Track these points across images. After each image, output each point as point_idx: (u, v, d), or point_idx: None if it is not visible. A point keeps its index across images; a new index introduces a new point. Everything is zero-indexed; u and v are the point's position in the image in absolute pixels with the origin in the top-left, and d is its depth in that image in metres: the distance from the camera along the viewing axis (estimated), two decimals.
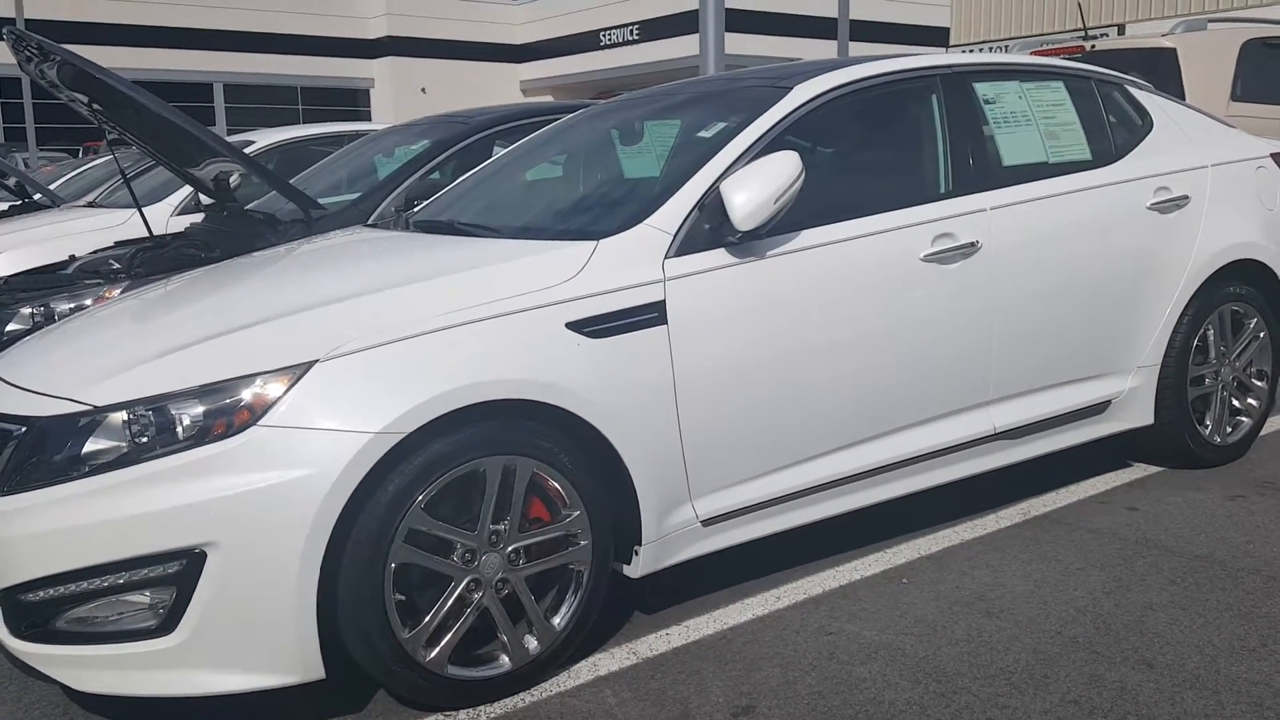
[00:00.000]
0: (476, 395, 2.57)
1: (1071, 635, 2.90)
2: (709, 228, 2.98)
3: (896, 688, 2.67)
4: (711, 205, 2.99)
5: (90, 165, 10.55)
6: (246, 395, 2.45)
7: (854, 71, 3.46)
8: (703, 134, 3.36)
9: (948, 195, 3.44)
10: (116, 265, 4.90)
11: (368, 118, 31.84)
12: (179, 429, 2.44)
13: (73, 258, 5.47)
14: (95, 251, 5.56)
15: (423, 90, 31.66)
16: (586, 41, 31.24)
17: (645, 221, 2.96)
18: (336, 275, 2.96)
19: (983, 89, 3.65)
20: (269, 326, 2.61)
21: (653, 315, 2.85)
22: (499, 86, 32.70)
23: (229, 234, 5.04)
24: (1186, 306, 3.98)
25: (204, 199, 6.32)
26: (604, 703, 2.66)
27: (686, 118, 3.68)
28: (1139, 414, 3.97)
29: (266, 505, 2.38)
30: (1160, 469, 4.23)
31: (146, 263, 4.77)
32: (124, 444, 2.44)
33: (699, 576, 3.29)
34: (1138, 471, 4.22)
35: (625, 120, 3.92)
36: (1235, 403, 4.27)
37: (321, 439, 2.42)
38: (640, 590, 3.18)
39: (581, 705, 2.66)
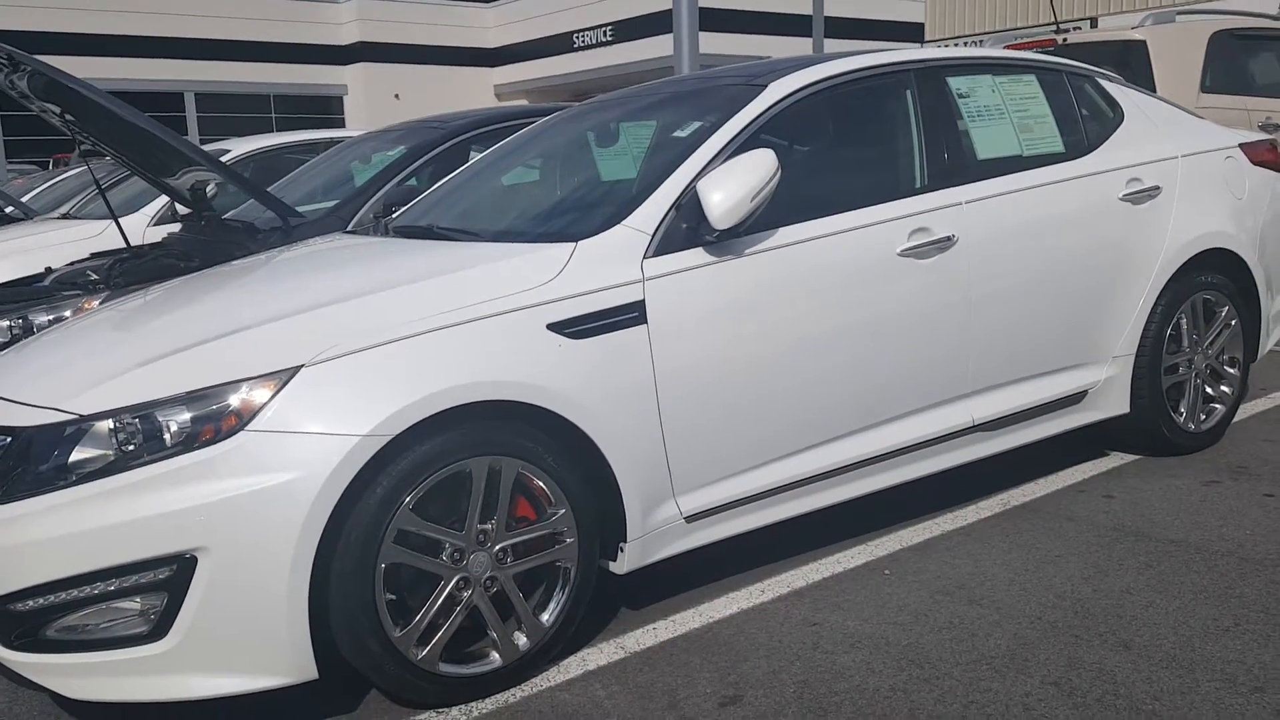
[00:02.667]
0: (461, 397, 2.59)
1: (1051, 620, 2.96)
2: (686, 227, 3.02)
3: (880, 675, 2.72)
4: (688, 205, 3.03)
5: (62, 177, 10.49)
6: (233, 401, 2.47)
7: (829, 68, 3.50)
8: (679, 134, 3.40)
9: (923, 190, 3.49)
10: (94, 276, 4.89)
11: (341, 125, 31.75)
12: (166, 436, 2.45)
13: (49, 270, 5.46)
14: (72, 263, 5.55)
15: (396, 96, 31.57)
16: (560, 44, 31.23)
17: (623, 222, 2.99)
18: (319, 281, 2.98)
19: (956, 83, 3.70)
20: (254, 332, 2.62)
21: (633, 315, 2.89)
22: (473, 91, 32.65)
23: (207, 243, 5.04)
24: (1160, 296, 4.04)
25: (180, 209, 6.32)
26: (594, 696, 2.70)
27: (662, 118, 3.71)
28: (1115, 403, 4.03)
29: (257, 509, 2.40)
30: (1136, 457, 4.30)
31: (125, 273, 4.77)
32: (110, 452, 2.46)
33: (683, 571, 3.33)
34: (1114, 460, 4.29)
35: (601, 122, 3.96)
36: (1208, 390, 4.33)
37: (309, 443, 2.44)
38: (627, 586, 3.22)
39: (572, 699, 2.69)
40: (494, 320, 2.72)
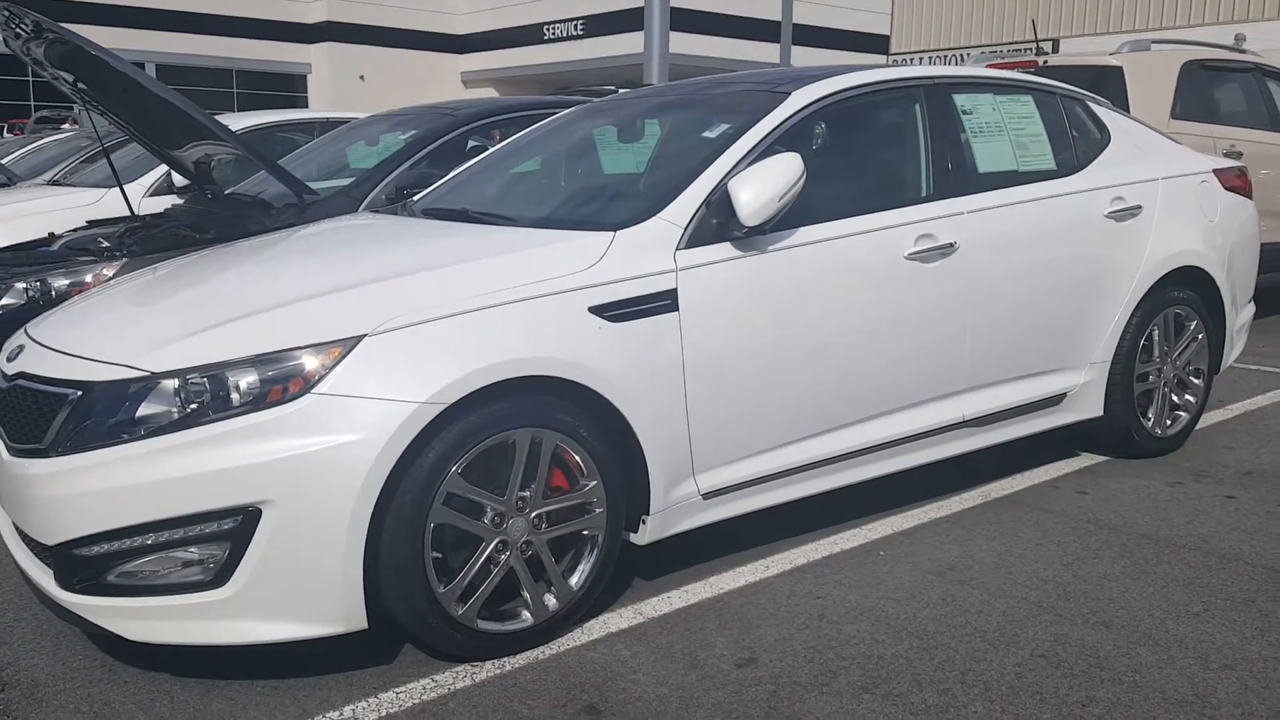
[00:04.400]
0: (511, 371, 2.78)
1: (1037, 600, 3.20)
2: (716, 222, 3.22)
3: (884, 644, 2.94)
4: (718, 202, 3.23)
5: (43, 143, 10.46)
6: (300, 365, 2.63)
7: (846, 79, 3.72)
8: (707, 134, 3.59)
9: (929, 198, 3.72)
10: (106, 244, 4.98)
11: (305, 104, 31.55)
12: (235, 395, 2.61)
13: (53, 235, 5.53)
14: (75, 230, 5.62)
15: (361, 78, 31.44)
16: (529, 35, 31.29)
17: (658, 215, 3.18)
18: (369, 257, 3.14)
19: (961, 100, 3.94)
20: (317, 302, 2.78)
21: (666, 302, 3.08)
22: (440, 77, 32.59)
23: (219, 217, 5.14)
24: (1136, 308, 4.32)
25: (178, 180, 6.40)
26: (619, 655, 2.89)
27: (687, 117, 3.91)
28: (1091, 406, 4.30)
29: (321, 467, 2.56)
30: (1105, 458, 4.58)
31: (141, 241, 4.87)
32: (174, 409, 2.60)
33: (691, 548, 3.53)
34: (1085, 460, 4.56)
35: (626, 118, 4.15)
36: (1174, 398, 4.63)
37: (371, 407, 2.61)
38: (640, 560, 3.41)
39: (598, 657, 2.89)
40: (541, 301, 2.90)
